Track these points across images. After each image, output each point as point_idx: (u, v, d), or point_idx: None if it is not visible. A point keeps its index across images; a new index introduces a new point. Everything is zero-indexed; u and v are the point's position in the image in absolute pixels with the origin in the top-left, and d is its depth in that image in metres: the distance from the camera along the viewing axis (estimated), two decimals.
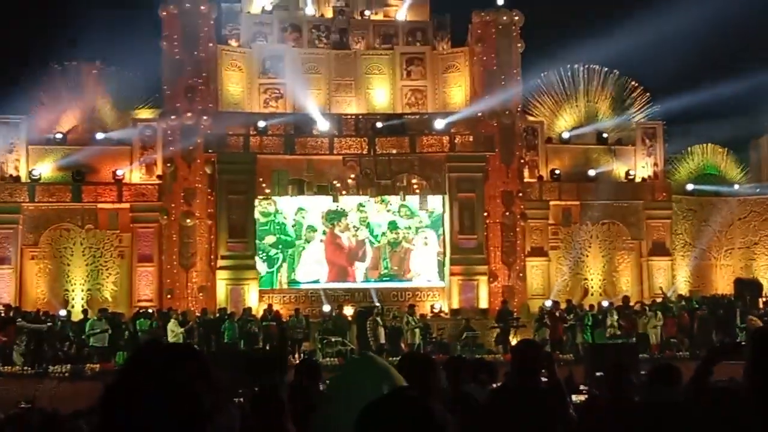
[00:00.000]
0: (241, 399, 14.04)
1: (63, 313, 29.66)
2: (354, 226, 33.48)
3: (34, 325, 27.33)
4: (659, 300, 31.96)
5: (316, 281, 33.02)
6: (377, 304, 30.99)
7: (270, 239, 33.00)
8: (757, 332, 2.24)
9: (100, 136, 33.08)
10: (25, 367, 25.89)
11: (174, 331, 27.44)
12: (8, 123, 32.69)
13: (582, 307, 31.07)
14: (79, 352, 27.27)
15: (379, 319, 29.03)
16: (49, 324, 27.83)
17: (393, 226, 33.68)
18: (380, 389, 2.53)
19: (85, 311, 29.94)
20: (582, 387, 17.22)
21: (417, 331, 29.13)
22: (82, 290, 32.27)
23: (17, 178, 32.36)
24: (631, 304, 31.85)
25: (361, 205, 33.40)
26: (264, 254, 32.81)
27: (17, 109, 32.98)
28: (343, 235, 33.45)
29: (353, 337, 28.41)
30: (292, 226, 33.26)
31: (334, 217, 33.29)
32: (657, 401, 6.18)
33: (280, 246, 33.14)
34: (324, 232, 33.40)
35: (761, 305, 31.84)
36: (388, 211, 33.69)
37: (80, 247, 32.43)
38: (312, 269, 33.16)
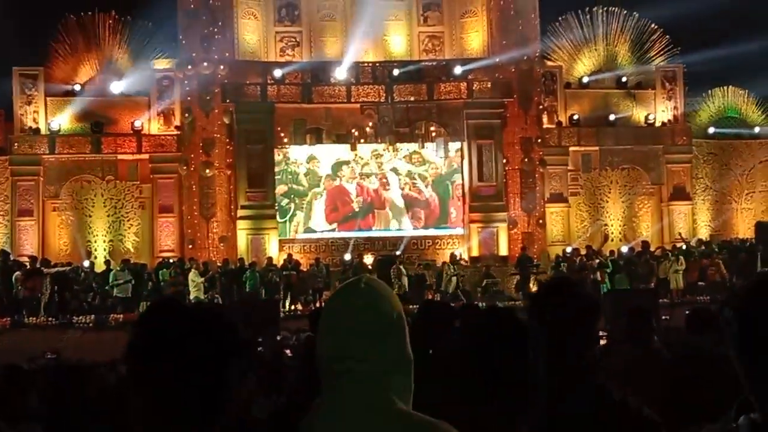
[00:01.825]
0: (260, 348, 14.24)
1: (86, 264, 29.91)
2: (373, 174, 33.38)
3: (57, 268, 27.65)
4: (679, 245, 31.94)
5: (333, 230, 33.11)
6: (398, 252, 31.14)
7: (282, 189, 32.97)
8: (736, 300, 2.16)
9: (117, 86, 33.10)
10: (50, 318, 26.17)
11: (195, 281, 27.64)
12: (26, 75, 32.72)
13: (602, 253, 31.07)
14: (102, 303, 27.56)
15: (402, 267, 29.18)
16: (73, 265, 28.18)
17: (408, 174, 33.65)
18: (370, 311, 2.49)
19: (107, 262, 30.28)
20: (601, 332, 17.26)
21: (454, 279, 29.23)
22: (104, 241, 32.53)
23: (36, 130, 32.45)
24: (652, 249, 31.92)
25: (376, 151, 33.29)
26: (276, 204, 32.81)
27: (34, 61, 33.02)
28: (349, 185, 33.30)
29: None
30: (305, 175, 33.21)
31: (335, 167, 33.18)
32: (688, 354, 6.10)
33: (292, 195, 33.14)
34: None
35: None
36: (400, 159, 33.53)
37: (101, 198, 32.62)
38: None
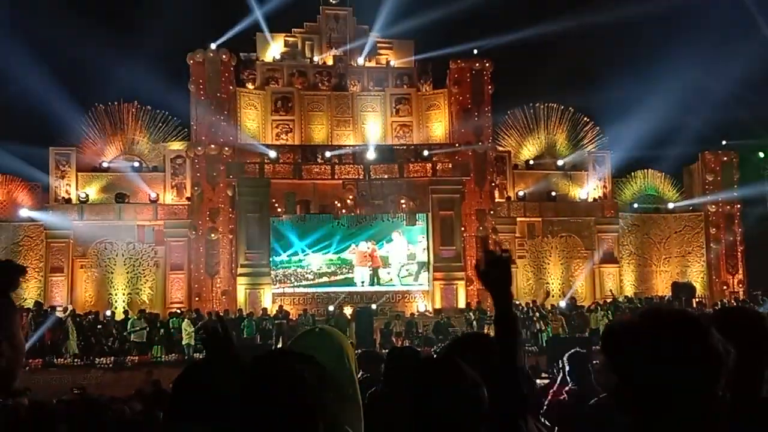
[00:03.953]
0: None
1: (108, 313, 29.63)
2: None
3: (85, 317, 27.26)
4: (609, 300, 32.00)
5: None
6: (374, 306, 31.03)
7: None
8: (607, 327, 2.10)
9: (137, 164, 33.11)
10: (76, 359, 25.78)
11: (187, 330, 26.99)
12: (60, 153, 32.70)
13: (544, 307, 31.06)
14: (121, 347, 27.17)
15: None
16: (91, 317, 27.85)
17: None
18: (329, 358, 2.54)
19: (126, 312, 29.94)
20: (544, 374, 17.22)
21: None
22: (124, 294, 32.21)
23: (68, 200, 32.32)
24: (585, 303, 31.97)
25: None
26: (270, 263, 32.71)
27: (68, 142, 33.02)
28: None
29: (353, 332, 28.29)
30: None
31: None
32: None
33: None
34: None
35: (694, 305, 31.88)
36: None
37: (122, 258, 32.38)
38: None
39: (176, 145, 33.73)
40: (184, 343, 26.56)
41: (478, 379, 2.61)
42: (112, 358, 25.86)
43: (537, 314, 29.77)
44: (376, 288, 33.15)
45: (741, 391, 2.92)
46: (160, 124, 34.25)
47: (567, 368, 7.23)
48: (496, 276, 2.94)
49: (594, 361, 7.57)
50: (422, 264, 33.58)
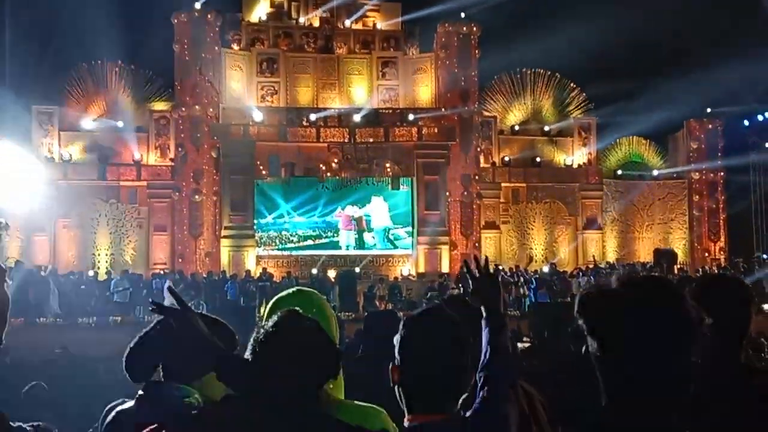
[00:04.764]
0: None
1: (91, 273, 29.54)
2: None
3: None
4: (591, 266, 32.21)
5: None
6: (357, 269, 31.13)
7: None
8: (584, 291, 2.14)
9: (121, 124, 32.83)
10: (58, 319, 25.73)
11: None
12: (44, 112, 32.38)
13: (527, 272, 31.22)
14: (104, 307, 27.11)
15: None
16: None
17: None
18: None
19: (109, 272, 29.86)
20: (525, 338, 17.34)
21: None
22: (107, 254, 32.13)
23: (51, 159, 32.06)
24: (567, 269, 32.16)
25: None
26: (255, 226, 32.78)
27: (52, 101, 32.68)
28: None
29: (336, 295, 28.37)
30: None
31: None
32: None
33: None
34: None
35: (676, 271, 32.12)
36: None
37: (105, 218, 32.25)
38: None
39: (160, 106, 33.45)
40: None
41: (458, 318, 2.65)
42: (95, 318, 25.84)
43: (521, 279, 29.91)
44: (360, 251, 33.27)
45: (719, 358, 2.96)
46: (144, 84, 33.91)
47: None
48: (487, 295, 2.96)
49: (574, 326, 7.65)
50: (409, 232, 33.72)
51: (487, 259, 3.19)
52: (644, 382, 1.97)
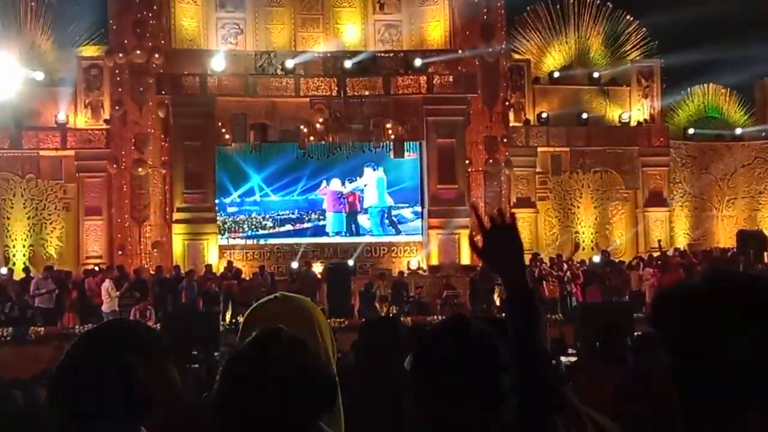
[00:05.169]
0: (196, 365, 14.10)
1: (3, 271, 29.57)
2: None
3: None
4: (656, 254, 32.20)
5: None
6: (351, 262, 31.16)
7: None
8: (659, 294, 2.08)
9: (40, 76, 32.73)
10: None
11: (111, 295, 26.90)
12: None
13: (573, 263, 31.22)
14: (22, 314, 27.14)
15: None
16: None
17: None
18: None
19: (27, 269, 29.86)
20: (570, 349, 17.35)
21: None
22: (24, 246, 32.14)
23: None
24: (625, 258, 32.18)
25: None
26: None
27: None
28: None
29: (323, 297, 28.44)
30: None
31: None
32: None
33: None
34: None
35: (767, 259, 32.09)
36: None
37: (21, 198, 32.24)
38: None
39: (90, 51, 33.35)
40: (106, 310, 26.64)
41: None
42: (11, 329, 25.87)
43: (565, 273, 29.90)
44: (354, 239, 33.29)
45: None
46: (69, 23, 33.78)
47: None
48: (504, 251, 2.86)
49: (635, 333, 7.63)
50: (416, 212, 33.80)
51: (501, 209, 3.10)
52: (748, 418, 1.92)
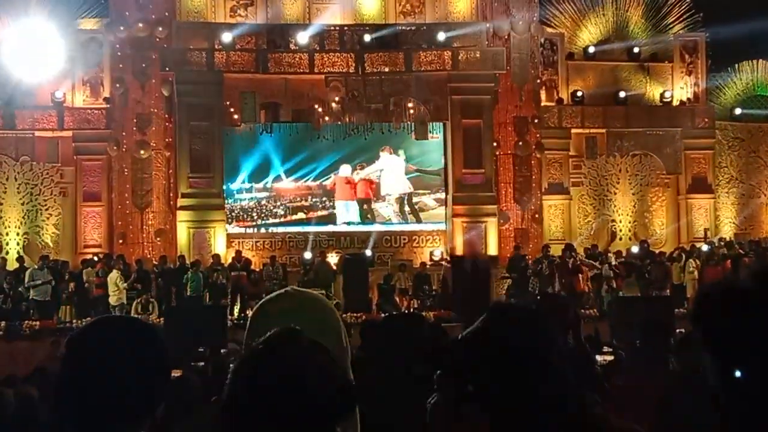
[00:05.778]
0: (201, 363, 14.14)
1: None
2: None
3: None
4: (699, 245, 32.11)
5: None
6: (368, 252, 31.19)
7: None
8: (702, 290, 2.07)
9: (37, 50, 32.79)
10: None
11: (118, 286, 27.14)
12: None
13: (608, 254, 31.16)
14: (15, 307, 27.30)
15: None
16: None
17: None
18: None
19: (20, 259, 30.02)
20: (606, 347, 17.33)
21: None
22: (18, 234, 32.30)
23: None
24: (665, 249, 32.10)
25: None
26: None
27: None
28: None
29: (339, 290, 28.50)
30: None
31: None
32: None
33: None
34: None
35: None
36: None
37: (14, 182, 32.38)
38: None
39: (89, 24, 33.42)
40: (113, 303, 26.77)
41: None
42: (4, 323, 26.03)
43: (601, 265, 29.82)
44: (371, 228, 33.29)
45: None
46: None
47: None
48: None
49: (678, 330, 7.59)
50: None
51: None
52: None
